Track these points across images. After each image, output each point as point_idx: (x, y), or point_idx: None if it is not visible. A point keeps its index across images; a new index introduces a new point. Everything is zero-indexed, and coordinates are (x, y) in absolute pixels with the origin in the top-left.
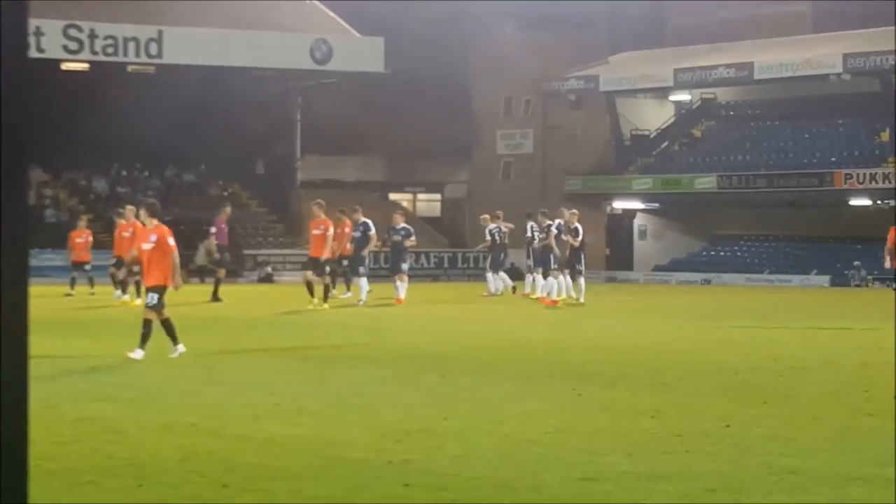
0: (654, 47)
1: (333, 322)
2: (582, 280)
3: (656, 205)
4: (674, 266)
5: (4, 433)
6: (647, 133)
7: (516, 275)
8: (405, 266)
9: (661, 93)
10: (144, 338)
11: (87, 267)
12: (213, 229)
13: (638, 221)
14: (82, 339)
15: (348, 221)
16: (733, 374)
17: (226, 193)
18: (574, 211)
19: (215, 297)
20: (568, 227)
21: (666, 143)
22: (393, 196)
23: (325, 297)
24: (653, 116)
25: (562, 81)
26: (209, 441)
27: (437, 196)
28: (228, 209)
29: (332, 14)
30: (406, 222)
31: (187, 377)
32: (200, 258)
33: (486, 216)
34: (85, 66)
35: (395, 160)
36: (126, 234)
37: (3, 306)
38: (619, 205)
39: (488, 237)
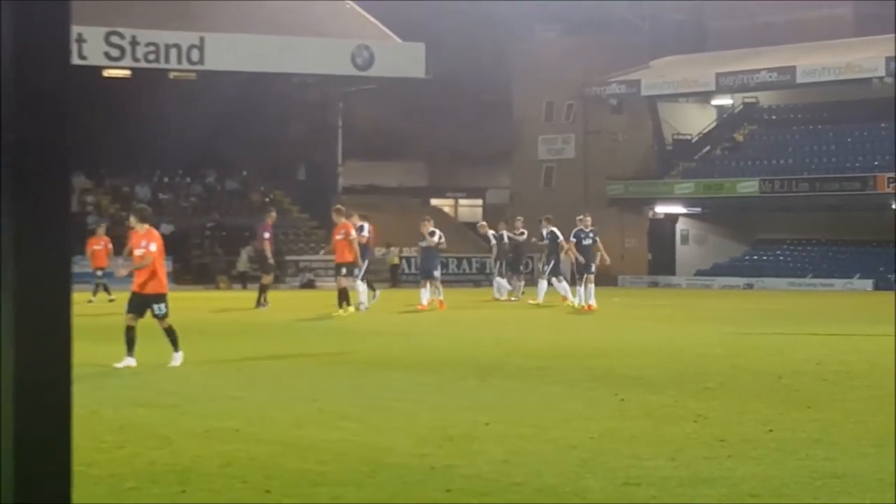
0: (695, 51)
1: (374, 328)
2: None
3: (698, 209)
4: (716, 271)
5: (49, 439)
6: (688, 137)
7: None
8: (437, 273)
9: (703, 97)
10: (175, 343)
11: (100, 273)
12: (267, 234)
13: (680, 226)
14: (124, 345)
15: (370, 227)
16: (776, 379)
17: (267, 199)
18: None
19: (260, 303)
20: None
21: (708, 148)
22: (434, 201)
23: (358, 303)
24: (695, 121)
25: (603, 86)
26: (251, 447)
27: (479, 201)
28: (274, 215)
29: (373, 20)
30: (435, 226)
31: (229, 383)
32: (242, 264)
33: (484, 223)
34: (127, 72)
35: (436, 165)
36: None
37: (47, 313)
38: (662, 209)
39: (493, 241)
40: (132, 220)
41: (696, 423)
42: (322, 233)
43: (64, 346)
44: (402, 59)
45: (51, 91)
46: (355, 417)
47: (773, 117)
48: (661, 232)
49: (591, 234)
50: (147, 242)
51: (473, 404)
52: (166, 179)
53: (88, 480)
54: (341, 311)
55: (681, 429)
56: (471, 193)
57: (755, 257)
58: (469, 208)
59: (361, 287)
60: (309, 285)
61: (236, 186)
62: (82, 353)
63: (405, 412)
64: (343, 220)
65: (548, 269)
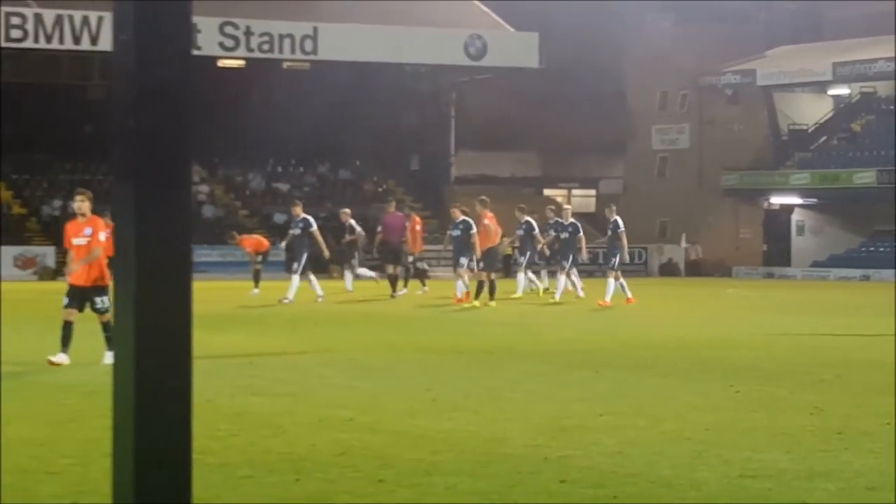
0: (811, 41)
1: (488, 318)
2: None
3: (814, 200)
4: (832, 262)
5: (169, 428)
6: (804, 128)
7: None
8: (464, 260)
9: (820, 87)
10: (66, 340)
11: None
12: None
13: (795, 217)
14: (239, 335)
15: (417, 218)
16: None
17: (380, 189)
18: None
19: (395, 292)
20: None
21: (824, 138)
22: (547, 192)
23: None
24: (811, 111)
25: (718, 76)
26: (365, 436)
27: (592, 191)
28: (394, 204)
29: (486, 9)
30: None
31: (343, 372)
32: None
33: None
34: (241, 62)
35: (549, 155)
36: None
37: (168, 302)
38: (777, 200)
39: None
40: (78, 205)
41: (813, 415)
42: (435, 223)
43: (184, 336)
44: (516, 48)
45: (172, 81)
46: (469, 408)
47: (891, 107)
48: (777, 223)
49: (569, 228)
50: (93, 231)
51: (588, 395)
52: (280, 169)
53: (203, 468)
54: (476, 302)
55: (797, 421)
56: (584, 184)
57: (872, 248)
58: (582, 198)
59: (311, 279)
60: (422, 275)
61: (349, 176)
62: (201, 341)
63: (519, 402)
64: (485, 210)
65: (524, 260)
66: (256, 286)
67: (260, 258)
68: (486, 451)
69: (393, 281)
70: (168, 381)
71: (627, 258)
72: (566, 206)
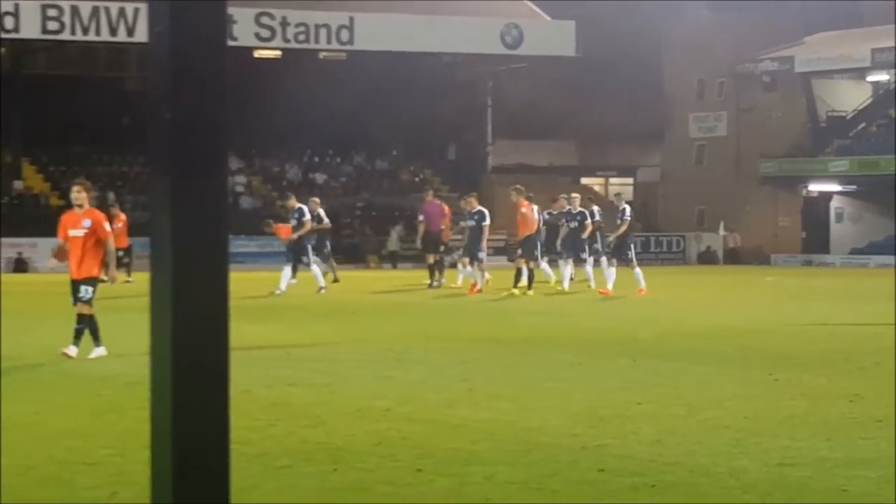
0: (850, 27)
1: (525, 307)
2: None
3: (853, 187)
4: (871, 249)
5: (207, 419)
6: (843, 114)
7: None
8: (482, 254)
9: (858, 73)
10: (94, 333)
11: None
12: (421, 217)
13: (834, 204)
14: (277, 325)
15: (446, 207)
16: None
17: (417, 179)
18: (576, 195)
19: (433, 282)
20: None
21: (863, 125)
22: (585, 180)
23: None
24: (849, 97)
25: (756, 63)
26: (403, 426)
27: (630, 180)
28: (431, 193)
29: None
30: (480, 205)
31: (380, 362)
32: (392, 243)
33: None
34: (277, 53)
35: (587, 144)
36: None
37: (205, 293)
38: (816, 187)
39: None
40: (75, 195)
41: (853, 402)
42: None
43: (221, 326)
44: (552, 37)
45: (208, 72)
46: (507, 397)
47: None
48: (815, 210)
49: (577, 217)
50: (93, 222)
51: (626, 384)
52: (316, 159)
53: (242, 459)
54: (515, 290)
55: (836, 409)
56: (621, 172)
57: None
58: (620, 187)
59: (286, 272)
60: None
61: (386, 166)
62: (238, 332)
63: (557, 392)
64: (521, 198)
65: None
66: (294, 276)
67: None
68: (524, 440)
69: (433, 270)
70: (205, 371)
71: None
72: (574, 196)
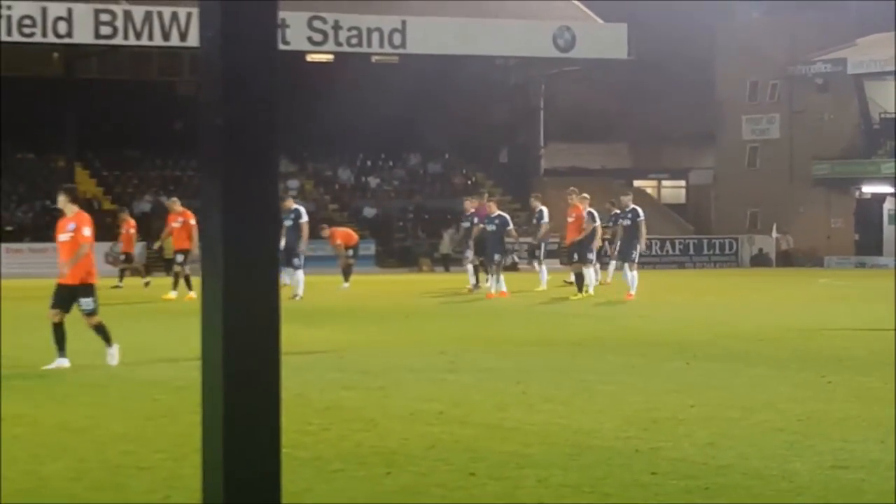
0: None
1: (577, 310)
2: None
3: None
4: None
5: (258, 423)
6: None
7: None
8: (498, 257)
9: None
10: (108, 338)
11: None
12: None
13: (888, 206)
14: (329, 329)
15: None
16: None
17: (469, 182)
18: (585, 196)
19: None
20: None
21: None
22: (637, 183)
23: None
24: None
25: (809, 65)
26: (456, 429)
27: (682, 182)
28: (486, 196)
29: (574, 1)
30: (501, 209)
31: (433, 365)
32: (445, 246)
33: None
34: (329, 56)
35: (639, 147)
36: (176, 225)
37: (256, 296)
38: (869, 189)
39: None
40: (61, 200)
41: None
42: (524, 215)
43: (273, 330)
44: (604, 40)
45: (259, 76)
46: (559, 400)
47: None
48: (869, 212)
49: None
50: (77, 226)
51: (679, 387)
52: (369, 163)
53: (294, 462)
54: (580, 295)
55: (890, 411)
56: (674, 175)
57: None
58: (672, 189)
59: (299, 275)
60: (512, 267)
61: (438, 169)
62: (291, 335)
63: (610, 394)
64: (576, 202)
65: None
66: (346, 280)
67: (350, 252)
68: (577, 443)
69: (484, 271)
70: (257, 375)
71: (645, 247)
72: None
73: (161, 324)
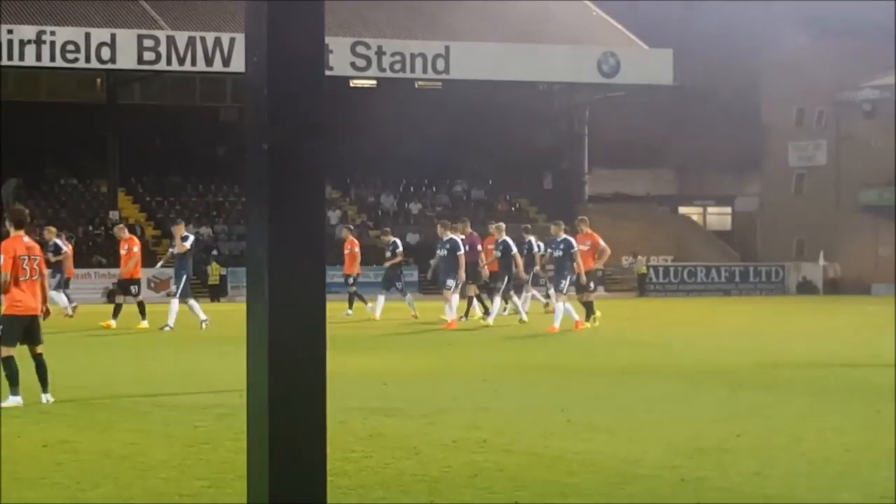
0: None
1: (620, 337)
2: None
3: None
4: None
5: (303, 450)
6: None
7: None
8: (451, 282)
9: None
10: (11, 379)
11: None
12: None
13: None
14: (372, 356)
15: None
16: None
17: (513, 209)
18: (500, 224)
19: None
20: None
21: None
22: (683, 209)
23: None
24: None
25: (856, 91)
26: (500, 457)
27: (728, 209)
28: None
29: (619, 27)
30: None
31: (476, 393)
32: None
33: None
34: (373, 82)
35: (684, 173)
36: (123, 252)
37: (302, 322)
38: None
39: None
40: (7, 224)
41: None
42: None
43: (318, 356)
44: (650, 65)
45: (305, 101)
46: (604, 428)
47: None
48: None
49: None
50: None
51: (725, 415)
52: (412, 189)
53: (337, 490)
54: (589, 324)
55: None
56: (719, 201)
57: None
58: (718, 216)
59: (192, 304)
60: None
61: (482, 196)
62: (335, 362)
63: (655, 423)
64: (587, 230)
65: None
66: (350, 308)
67: (350, 280)
68: (622, 472)
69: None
70: (301, 402)
71: (584, 280)
72: (500, 225)
73: (203, 350)
